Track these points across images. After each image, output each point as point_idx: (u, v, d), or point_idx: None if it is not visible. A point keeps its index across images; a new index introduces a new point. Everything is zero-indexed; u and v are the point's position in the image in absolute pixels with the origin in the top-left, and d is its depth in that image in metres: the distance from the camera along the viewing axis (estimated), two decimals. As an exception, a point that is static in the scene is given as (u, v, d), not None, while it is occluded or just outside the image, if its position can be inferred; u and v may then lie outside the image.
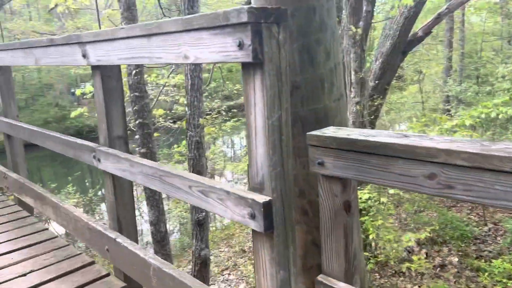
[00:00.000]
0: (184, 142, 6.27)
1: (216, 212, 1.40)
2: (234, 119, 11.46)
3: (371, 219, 5.27)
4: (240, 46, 1.15)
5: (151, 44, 1.48)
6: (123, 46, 1.63)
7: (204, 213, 5.02)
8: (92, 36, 1.81)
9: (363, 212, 5.31)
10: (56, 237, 2.66)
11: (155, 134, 5.94)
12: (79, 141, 2.16)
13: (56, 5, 6.00)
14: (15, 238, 2.64)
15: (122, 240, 1.95)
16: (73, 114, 6.35)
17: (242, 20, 1.11)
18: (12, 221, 2.94)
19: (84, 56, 1.90)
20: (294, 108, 1.93)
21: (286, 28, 1.20)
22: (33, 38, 25.83)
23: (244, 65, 1.20)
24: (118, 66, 1.92)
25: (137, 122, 5.35)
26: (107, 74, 1.92)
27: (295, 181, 2.18)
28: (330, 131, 1.39)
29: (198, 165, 4.91)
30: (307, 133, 1.39)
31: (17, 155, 3.23)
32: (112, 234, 2.00)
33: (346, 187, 1.39)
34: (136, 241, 2.13)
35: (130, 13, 5.35)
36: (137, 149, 5.51)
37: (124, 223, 2.08)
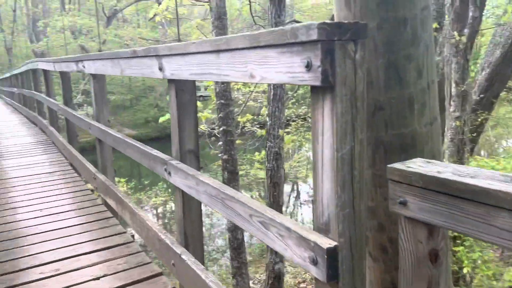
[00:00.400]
0: (264, 152, 6.24)
1: (276, 249, 1.25)
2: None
3: (467, 250, 4.67)
4: (308, 67, 1.00)
5: (220, 60, 1.39)
6: (194, 61, 1.58)
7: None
8: (167, 50, 1.80)
9: (457, 241, 4.73)
10: (131, 242, 2.74)
11: (237, 141, 5.98)
12: (154, 152, 2.18)
13: (154, 15, 6.38)
14: (97, 239, 2.78)
15: (187, 257, 1.90)
16: (161, 120, 6.68)
17: (311, 37, 0.96)
18: (97, 220, 3.11)
19: (161, 69, 1.90)
20: (376, 132, 1.71)
21: (365, 46, 1.02)
22: (140, 43, 28.20)
23: (312, 89, 1.05)
24: (192, 81, 1.89)
25: (221, 129, 5.43)
26: (181, 87, 1.90)
27: (374, 214, 1.95)
28: (416, 165, 1.16)
29: (276, 177, 4.83)
30: (388, 166, 1.18)
31: (106, 158, 3.43)
32: (178, 249, 1.97)
33: (433, 234, 1.15)
34: (202, 259, 2.08)
35: (220, 22, 5.46)
36: (219, 155, 5.60)
37: (191, 239, 2.04)
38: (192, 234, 2.04)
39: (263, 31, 1.14)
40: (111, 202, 3.11)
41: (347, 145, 1.03)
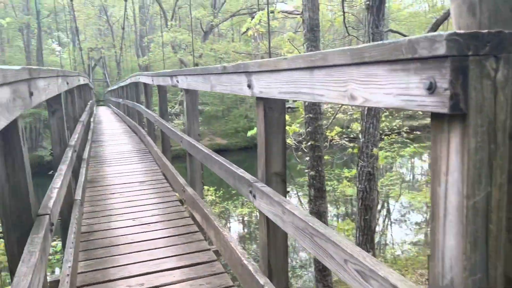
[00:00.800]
0: (354, 170, 5.87)
1: (376, 307, 1.03)
2: (416, 144, 10.36)
3: None
4: (431, 89, 0.78)
5: (313, 78, 1.22)
6: (284, 78, 1.43)
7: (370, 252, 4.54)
8: (257, 66, 1.68)
9: None
10: (215, 260, 2.67)
11: (325, 157, 5.72)
12: (240, 172, 2.08)
13: (247, 29, 6.46)
14: (181, 254, 2.77)
15: (270, 289, 1.75)
16: (249, 133, 6.70)
17: (437, 52, 0.74)
18: (183, 234, 3.13)
19: (249, 86, 1.79)
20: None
21: (510, 62, 0.77)
22: (233, 57, 29.28)
23: (435, 116, 0.82)
24: (282, 99, 1.74)
25: (308, 144, 5.24)
26: (269, 105, 1.77)
27: None
28: None
29: (368, 199, 4.47)
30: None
31: (195, 171, 3.45)
32: (261, 280, 1.82)
33: None
34: (286, 292, 1.90)
35: (312, 34, 5.30)
36: (306, 171, 5.40)
37: (275, 269, 1.88)
38: (276, 264, 1.89)
39: (368, 45, 0.95)
40: (197, 217, 3.10)
41: (481, 191, 0.78)
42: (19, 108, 1.25)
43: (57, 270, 6.76)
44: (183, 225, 3.31)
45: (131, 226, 3.35)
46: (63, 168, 2.32)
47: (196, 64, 31.03)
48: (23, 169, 1.45)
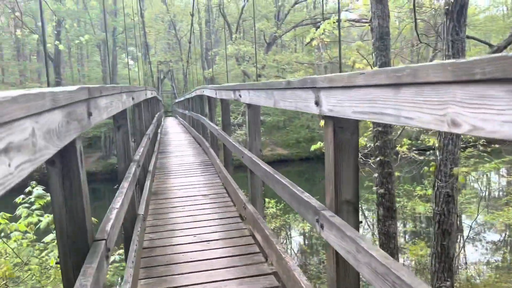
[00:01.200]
0: (430, 191, 5.40)
1: None
2: (497, 160, 9.43)
3: None
4: None
5: (399, 97, 1.02)
6: (360, 96, 1.24)
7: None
8: (326, 82, 1.50)
9: None
10: (277, 287, 2.50)
11: (396, 173, 5.33)
12: (305, 196, 1.89)
13: (311, 40, 6.30)
14: (242, 277, 2.63)
15: (338, 333, 1.54)
16: (313, 148, 6.48)
17: None
18: (243, 255, 2.99)
19: (317, 103, 1.61)
20: None
21: None
22: (295, 68, 29.19)
23: None
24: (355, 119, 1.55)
25: (377, 159, 4.91)
26: (340, 125, 1.57)
27: None
28: None
29: (446, 223, 4.03)
30: None
31: (256, 188, 3.32)
32: (328, 320, 1.62)
33: None
34: (356, 335, 1.68)
35: (382, 43, 4.99)
36: (374, 188, 5.06)
37: (344, 309, 1.67)
38: (346, 303, 1.67)
39: (480, 58, 0.74)
40: (258, 237, 2.96)
41: None
42: (73, 132, 1.19)
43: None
44: (244, 245, 3.18)
45: (191, 243, 3.28)
46: (125, 186, 2.29)
47: (259, 76, 31.38)
48: (80, 192, 1.40)
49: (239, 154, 3.49)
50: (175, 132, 13.67)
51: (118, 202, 1.97)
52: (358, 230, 1.65)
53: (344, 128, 1.58)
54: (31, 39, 23.71)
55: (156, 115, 8.36)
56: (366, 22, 5.98)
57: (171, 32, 42.82)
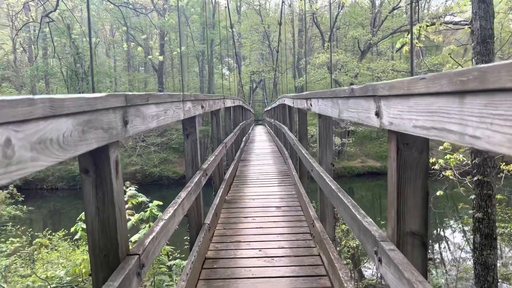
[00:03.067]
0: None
1: None
2: None
3: None
4: None
5: (464, 108, 0.77)
6: (421, 106, 0.99)
7: None
8: (386, 89, 1.26)
9: None
10: (338, 318, 2.24)
11: (498, 197, 4.61)
12: (366, 222, 1.63)
13: (402, 45, 5.81)
14: (301, 302, 2.42)
15: None
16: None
17: None
18: (308, 276, 2.77)
19: (378, 114, 1.37)
20: None
21: None
22: (392, 76, 27.75)
23: None
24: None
25: (474, 178, 4.29)
26: (405, 141, 1.31)
27: None
28: None
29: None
30: None
31: (325, 205, 3.08)
32: None
33: None
34: None
35: (484, 47, 4.39)
36: (470, 211, 4.42)
37: None
38: None
39: None
40: (323, 259, 2.72)
41: None
42: (94, 141, 1.12)
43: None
44: (310, 265, 2.95)
45: (256, 257, 3.15)
46: (182, 196, 2.24)
47: (351, 84, 30.46)
48: (112, 203, 1.34)
49: (308, 167, 3.28)
50: (260, 140, 13.80)
51: (168, 213, 1.91)
52: (425, 268, 1.36)
53: (409, 145, 1.31)
54: (139, 51, 26.17)
55: (240, 124, 8.46)
56: (466, 25, 5.34)
57: (265, 43, 43.83)
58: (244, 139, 9.92)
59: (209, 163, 3.38)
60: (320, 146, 3.00)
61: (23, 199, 19.25)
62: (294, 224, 3.91)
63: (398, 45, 5.26)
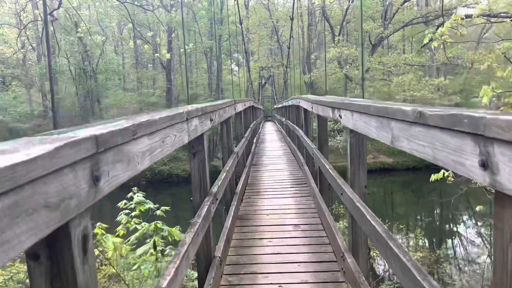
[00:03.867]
0: None
1: None
2: None
3: None
4: None
5: None
6: None
7: None
8: (505, 127, 0.77)
9: None
10: None
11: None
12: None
13: (430, 40, 5.27)
14: None
15: None
16: (433, 178, 5.40)
17: None
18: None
19: (485, 165, 0.88)
20: None
21: None
22: (404, 70, 27.00)
23: None
24: None
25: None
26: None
27: None
28: None
29: None
30: None
31: (358, 236, 2.59)
32: None
33: None
34: None
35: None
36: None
37: None
38: None
39: None
40: (359, 307, 2.24)
41: None
42: (28, 237, 0.67)
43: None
44: (340, 308, 2.48)
45: (273, 294, 2.69)
46: (186, 241, 1.77)
47: (363, 79, 29.75)
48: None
49: (337, 190, 2.79)
50: (271, 140, 13.30)
51: (168, 276, 1.45)
52: None
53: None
54: (147, 48, 25.77)
55: (251, 126, 7.98)
56: (507, 17, 4.77)
57: (274, 38, 43.17)
58: (255, 141, 9.44)
59: (219, 184, 2.91)
60: (352, 165, 2.51)
61: None
62: (316, 249, 3.43)
63: (426, 40, 4.73)
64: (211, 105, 2.74)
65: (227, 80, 41.09)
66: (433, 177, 5.38)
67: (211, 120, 2.65)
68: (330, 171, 3.12)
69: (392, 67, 29.07)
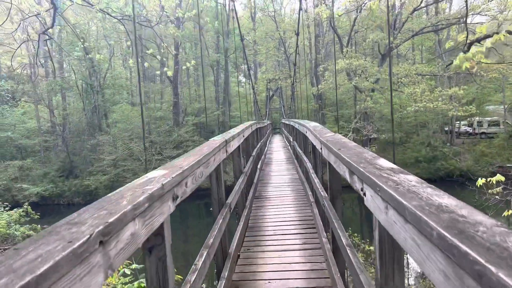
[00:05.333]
0: None
1: None
2: None
3: None
4: None
5: None
6: None
7: None
8: None
9: None
10: None
11: None
12: None
13: (460, 63, 4.45)
14: None
15: None
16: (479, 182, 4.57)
17: None
18: None
19: None
20: None
21: None
22: (415, 80, 26.05)
23: None
24: None
25: None
26: None
27: None
28: None
29: None
30: None
31: None
32: None
33: None
34: None
35: None
36: None
37: None
38: None
39: None
40: None
41: None
42: None
43: None
44: None
45: None
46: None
47: (373, 90, 28.91)
48: None
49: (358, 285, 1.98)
50: (278, 160, 12.45)
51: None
52: None
53: None
54: (147, 65, 25.21)
55: (253, 153, 7.18)
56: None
57: (281, 49, 42.59)
58: (259, 166, 8.63)
59: (196, 273, 2.13)
60: (383, 266, 1.71)
61: (38, 216, 18.45)
62: None
63: (457, 62, 3.94)
64: (206, 154, 1.98)
65: (235, 91, 40.50)
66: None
67: (208, 165, 1.89)
68: (348, 251, 2.30)
69: (403, 78, 28.19)
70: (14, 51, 9.10)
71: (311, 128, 4.36)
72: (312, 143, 4.40)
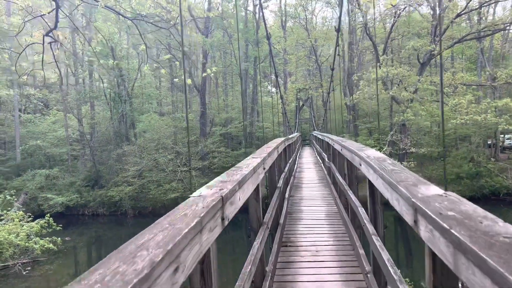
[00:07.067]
0: None
1: None
2: None
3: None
4: None
5: None
6: None
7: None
8: None
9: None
10: None
11: None
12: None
13: None
14: None
15: None
16: None
17: None
18: None
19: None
20: None
21: None
22: (460, 91, 23.95)
23: None
24: None
25: None
26: None
27: None
28: None
29: None
30: None
31: None
32: None
33: None
34: None
35: None
36: None
37: None
38: None
39: None
40: None
41: None
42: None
43: None
44: None
45: None
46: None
47: (411, 100, 26.89)
48: None
49: None
50: (309, 179, 10.88)
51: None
52: None
53: None
54: (164, 72, 24.41)
55: (282, 178, 5.70)
56: None
57: (312, 58, 41.13)
58: (286, 196, 6.95)
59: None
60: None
61: (61, 227, 17.64)
62: None
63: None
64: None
65: (264, 102, 39.29)
66: None
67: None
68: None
69: (446, 87, 26.10)
70: (19, 55, 8.24)
71: (376, 166, 2.57)
72: (377, 188, 2.70)
